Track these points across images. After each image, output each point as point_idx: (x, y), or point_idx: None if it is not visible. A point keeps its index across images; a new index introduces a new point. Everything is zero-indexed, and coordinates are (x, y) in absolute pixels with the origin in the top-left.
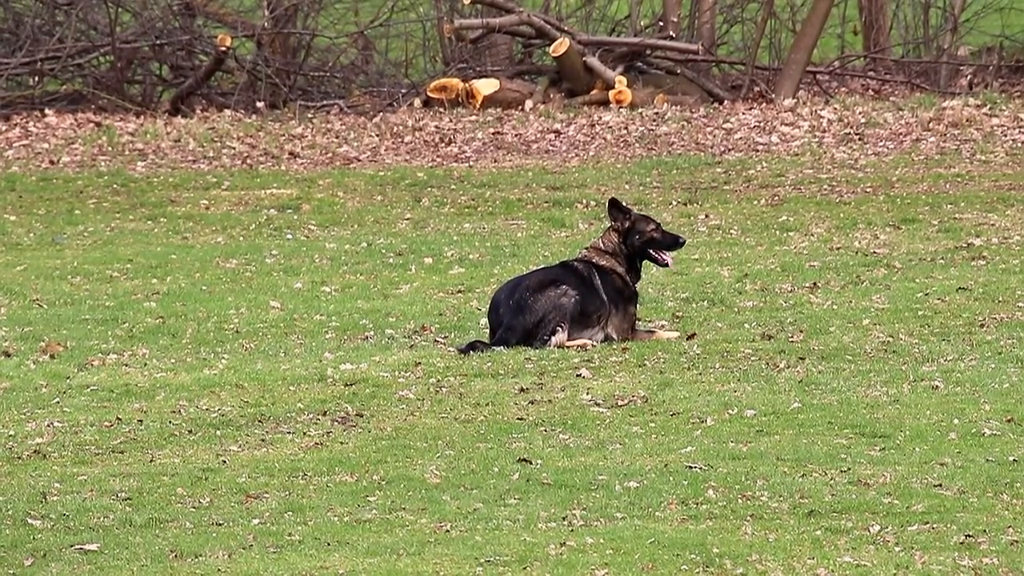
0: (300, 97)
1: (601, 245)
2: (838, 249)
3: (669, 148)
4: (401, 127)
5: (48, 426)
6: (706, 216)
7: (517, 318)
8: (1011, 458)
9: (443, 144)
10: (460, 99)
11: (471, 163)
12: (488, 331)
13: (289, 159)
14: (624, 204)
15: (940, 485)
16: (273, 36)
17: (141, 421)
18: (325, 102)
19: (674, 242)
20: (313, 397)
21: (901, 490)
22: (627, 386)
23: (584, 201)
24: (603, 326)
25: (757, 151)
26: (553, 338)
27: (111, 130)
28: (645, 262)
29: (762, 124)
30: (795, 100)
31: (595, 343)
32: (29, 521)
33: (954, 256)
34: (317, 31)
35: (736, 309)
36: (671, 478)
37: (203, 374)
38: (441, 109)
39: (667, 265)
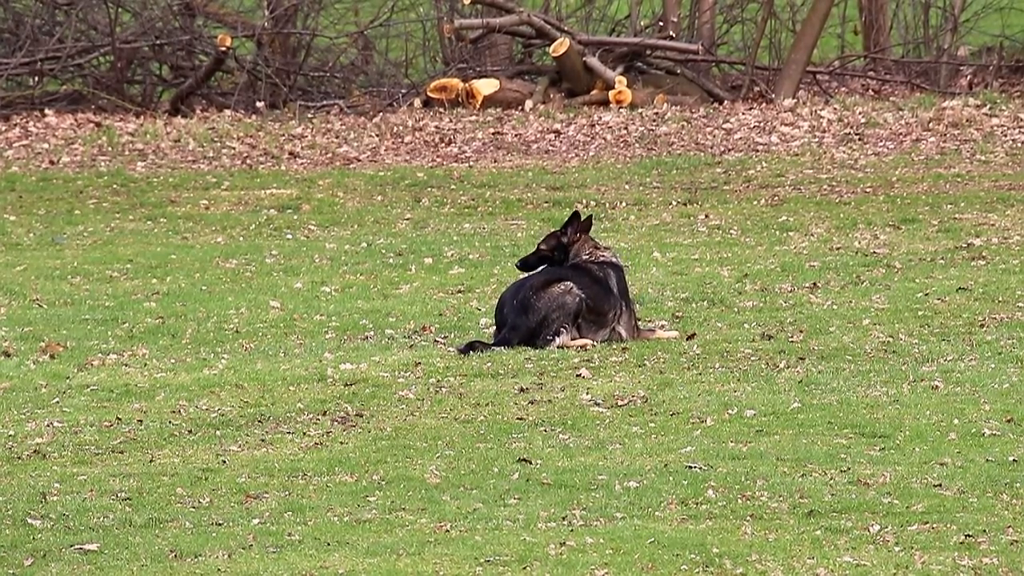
0: (300, 97)
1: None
2: (838, 249)
3: (669, 148)
4: (401, 127)
5: (48, 426)
6: (706, 216)
7: (520, 317)
8: (1011, 458)
9: (443, 144)
10: (460, 99)
11: (471, 163)
12: (492, 330)
13: (289, 159)
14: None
15: (940, 485)
16: (273, 36)
17: (141, 421)
18: (325, 102)
19: None
20: (313, 397)
21: (901, 490)
22: (627, 386)
23: (584, 201)
24: (614, 326)
25: (757, 151)
26: (557, 339)
27: (111, 130)
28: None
29: (762, 124)
30: (795, 100)
31: (595, 343)
32: (29, 521)
33: (954, 256)
34: (317, 31)
35: (736, 309)
36: (671, 478)
37: (203, 374)
38: (441, 109)
39: None
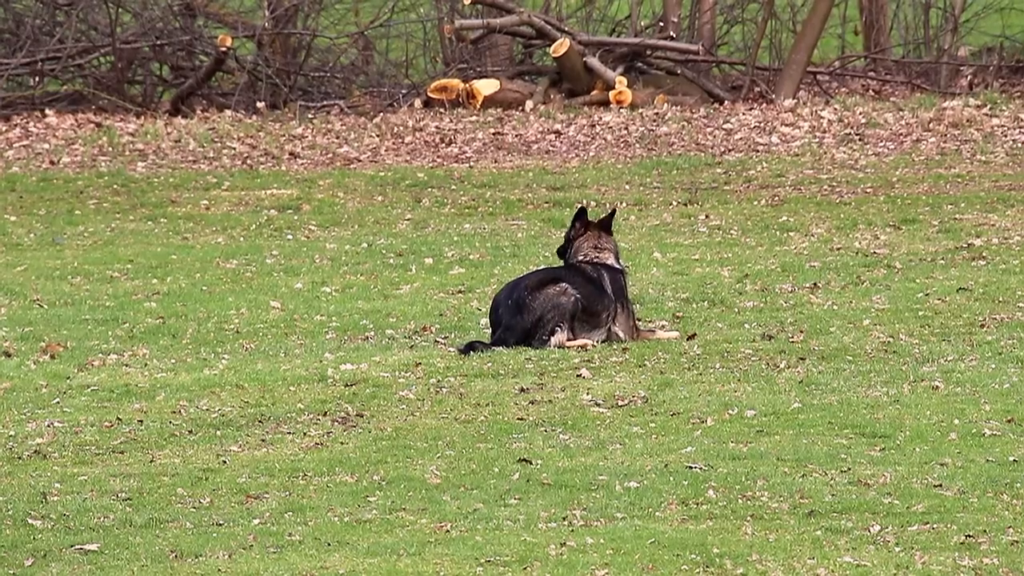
0: (300, 97)
1: (613, 248)
2: (838, 249)
3: (669, 148)
4: (401, 127)
5: (48, 426)
6: (706, 216)
7: (516, 318)
8: (1011, 458)
9: (443, 144)
10: (460, 99)
11: (471, 163)
12: (489, 331)
13: (289, 159)
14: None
15: (940, 485)
16: (273, 36)
17: (141, 421)
18: (325, 102)
19: None
20: (313, 397)
21: (901, 490)
22: (627, 386)
23: (584, 201)
24: (610, 326)
25: (757, 151)
26: (553, 338)
27: (111, 130)
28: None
29: (762, 124)
30: (795, 100)
31: (595, 343)
32: (29, 521)
33: (954, 256)
34: (317, 31)
35: (736, 309)
36: (671, 478)
37: (203, 374)
38: (441, 109)
39: None
